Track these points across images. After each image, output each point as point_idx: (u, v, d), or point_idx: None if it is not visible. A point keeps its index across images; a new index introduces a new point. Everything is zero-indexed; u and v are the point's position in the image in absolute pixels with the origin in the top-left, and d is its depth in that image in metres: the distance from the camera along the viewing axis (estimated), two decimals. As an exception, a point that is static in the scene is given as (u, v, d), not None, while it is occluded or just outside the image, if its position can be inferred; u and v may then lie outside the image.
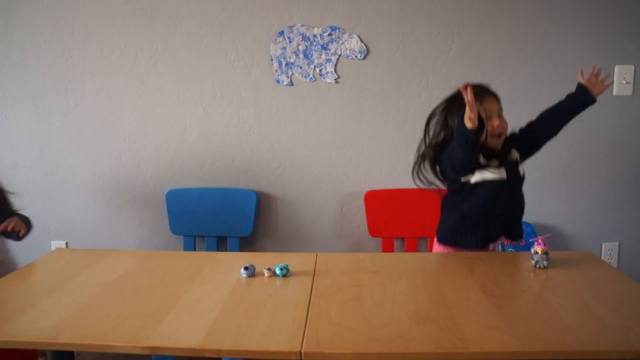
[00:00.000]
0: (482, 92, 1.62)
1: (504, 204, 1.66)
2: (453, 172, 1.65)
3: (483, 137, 1.57)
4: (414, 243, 2.46)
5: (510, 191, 1.67)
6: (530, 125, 1.77)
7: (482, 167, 1.63)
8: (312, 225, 2.53)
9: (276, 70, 2.40)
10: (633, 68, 2.34)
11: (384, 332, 1.14)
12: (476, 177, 1.64)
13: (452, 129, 1.64)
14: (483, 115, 1.52)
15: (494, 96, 1.67)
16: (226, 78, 2.43)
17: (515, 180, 1.69)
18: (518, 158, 1.71)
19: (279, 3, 2.36)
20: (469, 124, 1.47)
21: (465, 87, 1.49)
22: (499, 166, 1.64)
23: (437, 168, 1.73)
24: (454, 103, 1.66)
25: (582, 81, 1.67)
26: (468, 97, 1.46)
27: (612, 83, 1.68)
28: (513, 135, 1.77)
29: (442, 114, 1.70)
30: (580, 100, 1.68)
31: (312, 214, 2.52)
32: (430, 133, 1.73)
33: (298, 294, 1.40)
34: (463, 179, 1.65)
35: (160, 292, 1.43)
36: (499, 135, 1.65)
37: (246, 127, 2.46)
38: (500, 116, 1.66)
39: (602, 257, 2.44)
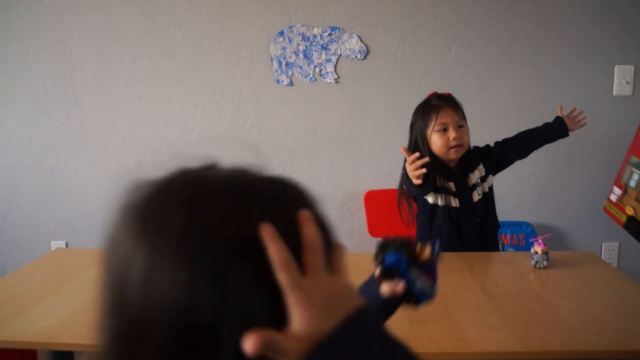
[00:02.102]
0: (439, 106, 1.61)
1: (465, 227, 1.67)
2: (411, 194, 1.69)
3: (440, 151, 1.61)
4: (414, 243, 2.46)
5: (466, 216, 1.67)
6: (506, 141, 1.79)
7: (438, 190, 1.64)
8: (312, 225, 2.52)
9: (276, 70, 2.40)
10: (633, 68, 2.34)
11: (384, 332, 1.14)
12: (431, 199, 1.66)
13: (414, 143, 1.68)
14: (425, 171, 1.49)
15: (453, 107, 1.62)
16: (226, 78, 2.42)
17: (467, 208, 1.67)
18: (478, 181, 1.69)
19: (279, 3, 2.35)
20: (415, 181, 1.51)
21: (403, 149, 1.54)
22: (454, 190, 1.65)
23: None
24: (417, 117, 1.68)
25: (562, 116, 1.78)
26: (407, 157, 1.49)
27: (586, 124, 1.80)
28: (487, 148, 1.77)
29: (410, 130, 1.72)
30: (558, 130, 1.77)
31: (312, 214, 2.51)
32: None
33: (298, 294, 1.40)
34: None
35: (160, 292, 1.43)
36: (457, 147, 1.62)
37: (246, 127, 2.46)
38: (461, 126, 1.62)
39: (602, 257, 2.43)
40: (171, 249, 0.39)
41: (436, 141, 1.61)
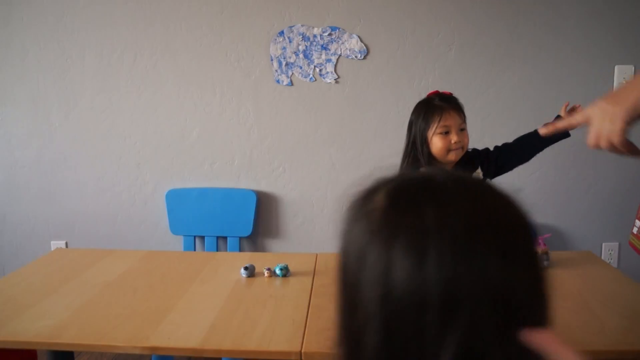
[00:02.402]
0: (443, 107, 1.58)
1: None
2: None
3: (440, 153, 1.59)
4: (414, 243, 2.46)
5: None
6: (506, 145, 1.75)
7: None
8: (312, 225, 2.53)
9: (276, 70, 2.40)
10: (633, 68, 2.34)
11: (384, 332, 1.14)
12: None
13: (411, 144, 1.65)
14: None
15: (456, 110, 1.60)
16: (226, 78, 2.43)
17: None
18: None
19: (279, 3, 2.35)
20: None
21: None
22: None
23: None
24: (418, 116, 1.64)
25: (563, 115, 1.72)
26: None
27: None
28: (486, 151, 1.76)
29: (408, 129, 1.69)
30: (559, 133, 1.73)
31: (312, 214, 2.51)
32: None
33: (298, 294, 1.40)
34: None
35: (160, 292, 1.43)
36: (457, 150, 1.61)
37: (246, 127, 2.46)
38: (462, 129, 1.61)
39: (602, 257, 2.44)
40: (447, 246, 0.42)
41: (437, 143, 1.58)
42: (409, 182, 0.49)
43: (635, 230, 1.47)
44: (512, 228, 0.44)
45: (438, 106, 1.58)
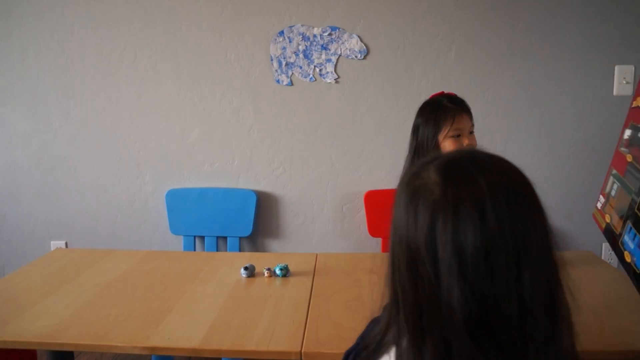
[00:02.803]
0: (455, 110, 1.53)
1: None
2: None
3: None
4: (414, 243, 2.46)
5: None
6: None
7: None
8: (312, 225, 2.53)
9: (276, 70, 2.40)
10: (633, 68, 2.34)
11: (384, 332, 1.14)
12: None
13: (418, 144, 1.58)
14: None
15: (467, 112, 1.57)
16: (226, 78, 2.43)
17: None
18: None
19: (279, 3, 2.35)
20: None
21: None
22: None
23: None
24: (426, 119, 1.57)
25: None
26: None
27: None
28: None
29: (414, 132, 1.62)
30: None
31: (312, 214, 2.52)
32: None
33: (298, 294, 1.40)
34: None
35: (160, 292, 1.43)
36: None
37: (246, 127, 2.46)
38: (470, 133, 1.57)
39: (602, 257, 2.44)
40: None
41: (448, 147, 1.52)
42: (455, 159, 0.60)
43: (599, 205, 1.49)
44: (532, 188, 0.59)
45: (450, 108, 1.52)
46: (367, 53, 2.37)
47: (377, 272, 1.56)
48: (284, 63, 2.39)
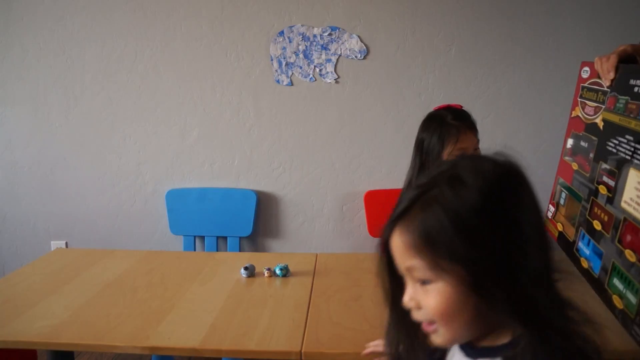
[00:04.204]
0: (459, 128, 1.46)
1: None
2: None
3: None
4: (414, 243, 2.46)
5: None
6: None
7: None
8: (312, 225, 2.53)
9: (276, 70, 2.40)
10: (633, 68, 2.34)
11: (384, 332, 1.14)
12: None
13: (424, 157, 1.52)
14: None
15: (472, 129, 1.50)
16: (226, 78, 2.43)
17: None
18: None
19: (279, 3, 2.35)
20: None
21: None
22: None
23: None
24: (430, 135, 1.51)
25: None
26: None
27: None
28: None
29: (417, 147, 1.55)
30: None
31: (312, 214, 2.52)
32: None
33: (298, 294, 1.40)
34: None
35: (160, 292, 1.43)
36: None
37: (246, 127, 2.46)
38: (475, 149, 1.50)
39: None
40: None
41: None
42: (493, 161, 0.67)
43: (549, 214, 1.49)
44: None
45: (454, 126, 1.45)
46: (367, 53, 2.37)
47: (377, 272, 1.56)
48: (284, 63, 2.39)
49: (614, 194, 1.07)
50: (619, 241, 1.03)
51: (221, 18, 2.38)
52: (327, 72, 2.39)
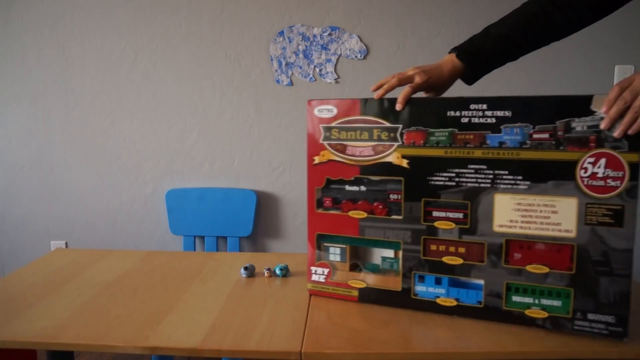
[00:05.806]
0: None
1: None
2: None
3: None
4: (414, 243, 2.46)
5: None
6: None
7: None
8: (312, 225, 2.52)
9: (276, 70, 2.40)
10: (633, 68, 2.34)
11: (384, 332, 1.14)
12: None
13: None
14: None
15: None
16: (226, 78, 2.43)
17: None
18: None
19: (279, 3, 2.36)
20: None
21: None
22: None
23: None
24: None
25: None
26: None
27: None
28: None
29: None
30: None
31: (312, 214, 2.51)
32: None
33: (298, 294, 1.40)
34: None
35: (160, 292, 1.43)
36: None
37: (246, 127, 2.46)
38: None
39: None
40: None
41: None
42: None
43: (321, 278, 1.43)
44: None
45: None
46: (367, 53, 2.37)
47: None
48: (284, 63, 2.39)
49: (473, 223, 1.07)
50: (506, 262, 1.06)
51: (221, 18, 2.38)
52: (327, 72, 2.39)
